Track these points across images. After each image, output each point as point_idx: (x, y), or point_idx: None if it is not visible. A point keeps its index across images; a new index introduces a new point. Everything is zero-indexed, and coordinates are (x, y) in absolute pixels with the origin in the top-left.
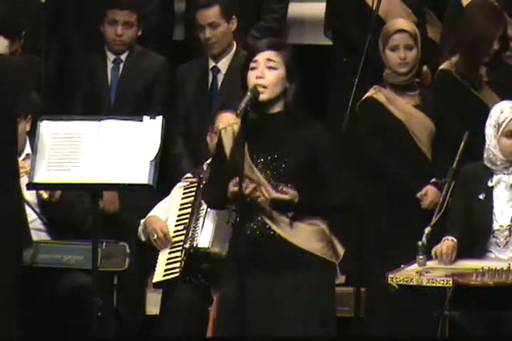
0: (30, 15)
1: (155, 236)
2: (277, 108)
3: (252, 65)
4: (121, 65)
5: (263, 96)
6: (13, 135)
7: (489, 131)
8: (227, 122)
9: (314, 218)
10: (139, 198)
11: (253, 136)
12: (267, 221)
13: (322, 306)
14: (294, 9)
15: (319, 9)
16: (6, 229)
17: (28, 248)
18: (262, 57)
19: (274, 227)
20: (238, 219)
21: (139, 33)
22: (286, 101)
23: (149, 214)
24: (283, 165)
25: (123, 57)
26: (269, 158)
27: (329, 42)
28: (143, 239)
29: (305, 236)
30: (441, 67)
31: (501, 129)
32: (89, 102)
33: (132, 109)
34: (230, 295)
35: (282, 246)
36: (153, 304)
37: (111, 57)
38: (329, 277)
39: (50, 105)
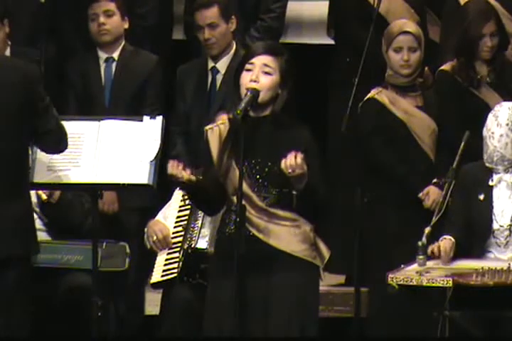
0: (28, 15)
1: (154, 237)
2: (265, 112)
3: (247, 66)
4: (114, 65)
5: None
6: (21, 135)
7: (498, 131)
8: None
9: (297, 219)
10: (139, 198)
11: (238, 139)
12: (247, 225)
13: (304, 307)
14: (293, 8)
15: (318, 9)
16: (16, 235)
17: (36, 254)
18: (258, 60)
19: (253, 231)
20: (238, 219)
21: (126, 26)
22: (274, 107)
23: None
24: (266, 169)
25: (115, 55)
26: (253, 162)
27: (327, 42)
28: (148, 246)
29: (286, 238)
30: (441, 67)
31: (506, 128)
32: (83, 103)
33: (127, 109)
34: (211, 296)
35: (263, 248)
36: (152, 304)
37: (103, 56)
38: (311, 278)
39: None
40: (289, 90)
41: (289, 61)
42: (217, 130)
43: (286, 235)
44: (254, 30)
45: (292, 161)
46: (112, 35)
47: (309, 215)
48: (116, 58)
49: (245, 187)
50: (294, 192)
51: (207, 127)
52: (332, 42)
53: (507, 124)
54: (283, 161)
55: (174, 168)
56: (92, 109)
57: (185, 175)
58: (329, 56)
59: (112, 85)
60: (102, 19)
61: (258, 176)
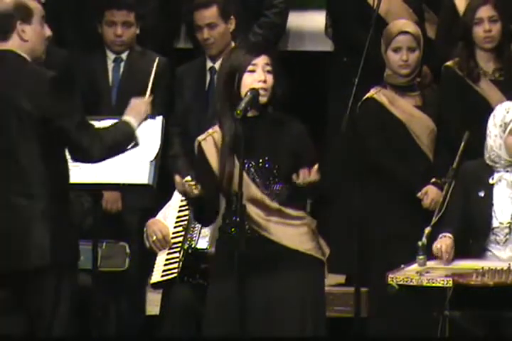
0: None
1: (154, 237)
2: (260, 111)
3: (250, 67)
4: (122, 65)
5: (263, 99)
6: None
7: (493, 131)
8: (206, 133)
9: (305, 217)
10: (141, 198)
11: (237, 141)
12: (255, 227)
13: (315, 305)
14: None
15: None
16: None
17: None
18: (260, 61)
19: (264, 233)
20: (238, 219)
21: (137, 32)
22: (270, 105)
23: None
24: (276, 166)
25: (123, 56)
26: (261, 160)
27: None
28: (147, 245)
29: (297, 237)
30: (446, 63)
31: (509, 128)
32: (89, 102)
33: None
34: (213, 296)
35: (272, 247)
36: (153, 304)
37: (111, 56)
38: (320, 276)
39: None
40: (281, 86)
41: (277, 57)
42: (211, 139)
43: (297, 234)
44: (257, 27)
45: (307, 177)
46: (126, 45)
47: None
48: (124, 58)
49: (255, 190)
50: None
51: (200, 138)
52: (328, 49)
53: (500, 125)
54: (294, 175)
55: (181, 185)
56: (98, 109)
57: (196, 191)
58: (327, 61)
59: (120, 85)
60: (119, 31)
61: (268, 174)
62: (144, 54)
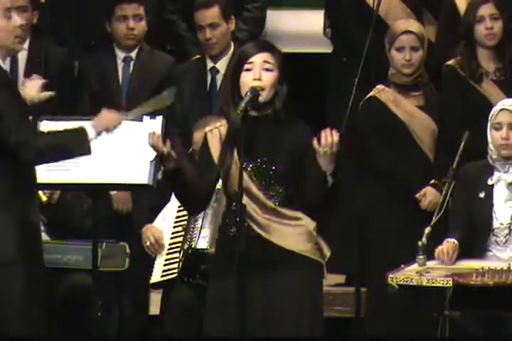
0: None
1: (148, 242)
2: (267, 111)
3: (247, 66)
4: (132, 64)
5: (260, 99)
6: None
7: (489, 126)
8: (213, 125)
9: (302, 218)
10: (147, 198)
11: (239, 139)
12: (253, 225)
13: (313, 306)
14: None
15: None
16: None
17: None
18: (258, 58)
19: (260, 231)
20: (238, 219)
21: (146, 28)
22: (276, 104)
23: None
24: (273, 168)
25: (133, 55)
26: (259, 161)
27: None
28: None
29: (293, 238)
30: (447, 62)
31: (491, 122)
32: (99, 101)
33: None
34: (213, 296)
35: (270, 248)
36: (153, 304)
37: (120, 55)
38: (317, 277)
39: (55, 105)
40: (287, 85)
41: (283, 56)
42: (217, 132)
43: (293, 235)
44: (241, 22)
45: (329, 139)
46: (138, 40)
47: (324, 208)
48: (134, 57)
49: (253, 187)
50: (329, 179)
51: (206, 129)
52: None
53: (489, 120)
54: (315, 141)
55: (155, 138)
56: (108, 108)
57: (165, 148)
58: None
59: (129, 84)
60: (131, 24)
61: (265, 175)
62: (153, 53)
